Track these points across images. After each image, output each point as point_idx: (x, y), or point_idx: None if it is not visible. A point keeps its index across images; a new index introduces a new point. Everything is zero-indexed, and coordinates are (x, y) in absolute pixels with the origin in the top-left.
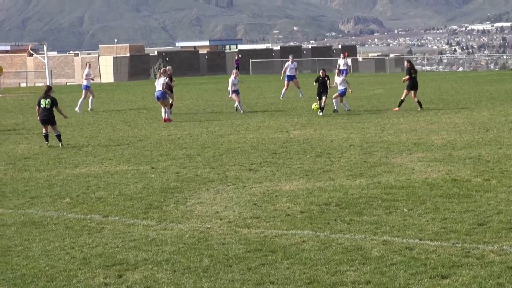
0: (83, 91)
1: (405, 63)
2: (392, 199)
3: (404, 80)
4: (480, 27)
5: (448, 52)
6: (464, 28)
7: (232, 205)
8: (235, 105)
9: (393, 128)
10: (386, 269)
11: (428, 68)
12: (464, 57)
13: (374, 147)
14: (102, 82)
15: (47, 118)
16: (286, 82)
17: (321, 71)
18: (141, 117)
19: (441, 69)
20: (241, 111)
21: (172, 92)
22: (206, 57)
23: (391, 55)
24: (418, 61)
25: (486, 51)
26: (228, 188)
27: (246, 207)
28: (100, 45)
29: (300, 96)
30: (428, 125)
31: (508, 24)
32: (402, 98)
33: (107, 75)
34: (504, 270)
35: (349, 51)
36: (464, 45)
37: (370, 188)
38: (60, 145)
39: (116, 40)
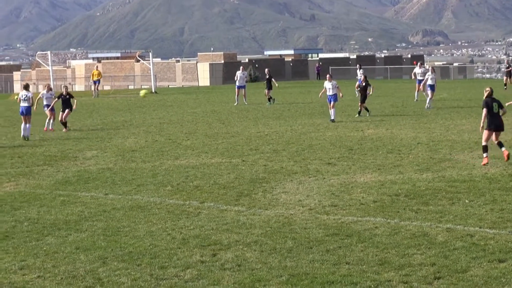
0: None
1: None
2: (455, 191)
3: None
4: None
5: (506, 61)
6: None
7: (313, 195)
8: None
9: (457, 129)
10: (449, 253)
11: (487, 75)
12: None
13: (439, 145)
14: (199, 85)
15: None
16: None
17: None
18: (233, 116)
19: (499, 77)
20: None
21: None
22: (291, 64)
23: (455, 64)
24: (479, 70)
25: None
26: (310, 179)
27: (325, 196)
28: (198, 53)
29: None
30: None
31: None
32: None
33: (204, 79)
34: None
35: (418, 59)
36: None
37: (435, 181)
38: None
39: (212, 49)
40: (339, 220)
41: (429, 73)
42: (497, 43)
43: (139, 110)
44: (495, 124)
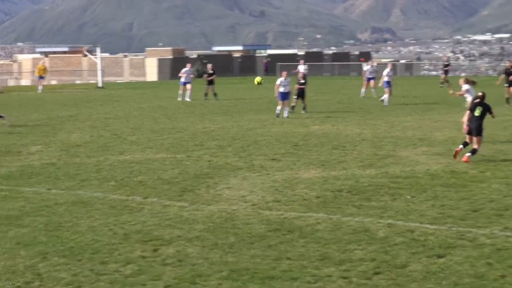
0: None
1: (507, 62)
2: (397, 187)
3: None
4: (481, 37)
5: (452, 59)
6: (467, 38)
7: (257, 190)
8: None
9: (401, 125)
10: (389, 249)
11: (434, 73)
12: (467, 63)
13: (383, 142)
14: (147, 80)
15: None
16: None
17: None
18: (180, 112)
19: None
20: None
21: None
22: (239, 60)
23: (402, 61)
24: (425, 67)
25: (486, 59)
26: (254, 175)
27: (268, 192)
28: (146, 48)
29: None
30: (432, 123)
31: (507, 35)
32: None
33: (152, 74)
34: (494, 252)
35: (365, 57)
36: (467, 53)
37: (378, 177)
38: None
39: (160, 44)
40: (281, 216)
41: (388, 69)
42: (444, 41)
43: (85, 105)
44: (469, 127)
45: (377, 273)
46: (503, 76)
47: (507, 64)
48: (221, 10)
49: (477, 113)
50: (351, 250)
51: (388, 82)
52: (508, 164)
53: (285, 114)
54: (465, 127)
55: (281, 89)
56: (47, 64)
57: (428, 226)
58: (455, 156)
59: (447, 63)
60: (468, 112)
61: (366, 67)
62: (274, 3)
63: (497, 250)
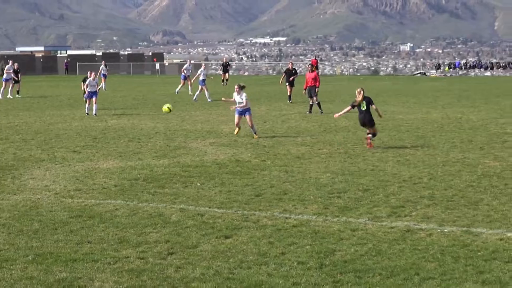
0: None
1: (289, 64)
2: (188, 175)
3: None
4: (262, 40)
5: (236, 60)
6: (249, 41)
7: (59, 180)
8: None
9: (191, 119)
10: (182, 231)
11: (220, 72)
12: (249, 64)
13: (175, 134)
14: None
15: None
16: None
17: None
18: None
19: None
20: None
21: None
22: (41, 60)
23: (192, 61)
24: (213, 67)
25: (266, 60)
26: (56, 166)
27: (70, 182)
28: None
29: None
30: (219, 117)
31: (284, 38)
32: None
33: None
34: (275, 232)
35: (158, 57)
36: (249, 54)
37: (171, 167)
38: None
39: None
40: (82, 203)
41: (202, 69)
42: (229, 43)
43: None
44: (363, 121)
45: (171, 253)
46: (284, 75)
47: (289, 65)
48: (23, 13)
49: (363, 107)
50: (147, 233)
51: (203, 81)
52: (286, 154)
53: (94, 112)
54: (336, 115)
55: (89, 89)
56: None
57: (216, 210)
58: (369, 145)
59: (227, 63)
60: (349, 107)
61: (185, 65)
62: (72, 7)
63: (278, 230)
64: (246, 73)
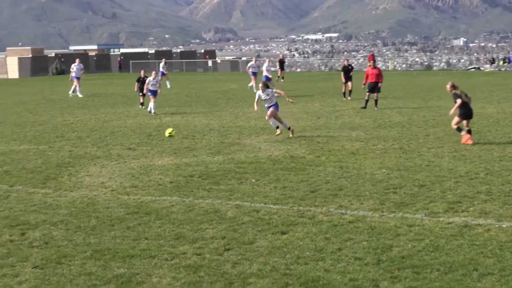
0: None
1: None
2: (243, 172)
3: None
4: (313, 36)
5: (288, 56)
6: (301, 38)
7: (115, 177)
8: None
9: (245, 116)
10: (238, 227)
11: (273, 68)
12: (301, 60)
13: (229, 131)
14: (9, 77)
15: None
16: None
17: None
18: (41, 106)
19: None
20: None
21: None
22: (95, 58)
23: (243, 58)
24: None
25: (318, 56)
26: (112, 163)
27: (126, 178)
28: (7, 48)
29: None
30: None
31: (335, 34)
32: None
33: (13, 72)
34: (330, 227)
35: (210, 54)
36: (301, 51)
37: (225, 163)
38: None
39: (20, 44)
40: (138, 200)
41: (266, 64)
42: (280, 40)
43: None
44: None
45: (227, 249)
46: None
47: (345, 62)
48: (76, 12)
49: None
50: (203, 230)
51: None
52: (341, 149)
53: (152, 110)
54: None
55: (151, 87)
56: None
57: (272, 206)
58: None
59: (282, 60)
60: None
61: (250, 63)
62: (124, 6)
63: (334, 226)
64: (298, 70)
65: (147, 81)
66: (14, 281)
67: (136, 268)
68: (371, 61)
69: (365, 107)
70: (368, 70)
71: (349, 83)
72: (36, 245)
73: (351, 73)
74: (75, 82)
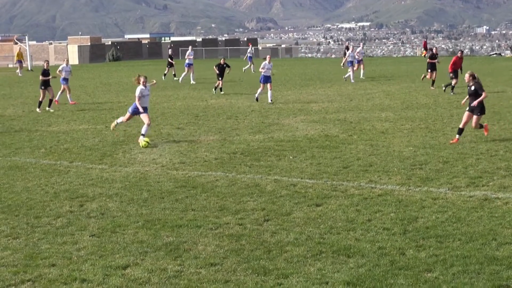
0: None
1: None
2: (281, 149)
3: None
4: (347, 25)
5: (324, 44)
6: (336, 26)
7: (165, 154)
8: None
9: (283, 99)
10: (276, 200)
11: (309, 55)
12: (336, 47)
13: (269, 112)
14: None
15: None
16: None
17: (222, 59)
18: (98, 90)
19: (319, 56)
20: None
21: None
22: (147, 46)
23: (283, 46)
24: (302, 50)
25: (352, 43)
26: (162, 141)
27: (175, 155)
28: (68, 37)
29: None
30: (308, 96)
31: (367, 23)
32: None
33: (73, 59)
34: (361, 200)
35: (252, 42)
36: (336, 38)
37: (265, 142)
38: None
39: (80, 33)
40: (186, 175)
41: (360, 48)
42: (317, 28)
43: (17, 85)
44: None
45: (267, 220)
46: (428, 61)
47: (434, 49)
48: (130, 4)
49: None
50: (245, 202)
51: (351, 62)
52: (371, 129)
53: (269, 100)
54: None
55: (264, 72)
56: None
57: (308, 180)
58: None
59: (347, 47)
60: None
61: (347, 52)
62: None
63: (364, 199)
64: (333, 56)
65: (261, 66)
66: (73, 248)
67: (184, 236)
68: (460, 51)
69: (451, 91)
70: (455, 57)
71: (434, 72)
72: (93, 216)
73: (435, 61)
74: (186, 69)
